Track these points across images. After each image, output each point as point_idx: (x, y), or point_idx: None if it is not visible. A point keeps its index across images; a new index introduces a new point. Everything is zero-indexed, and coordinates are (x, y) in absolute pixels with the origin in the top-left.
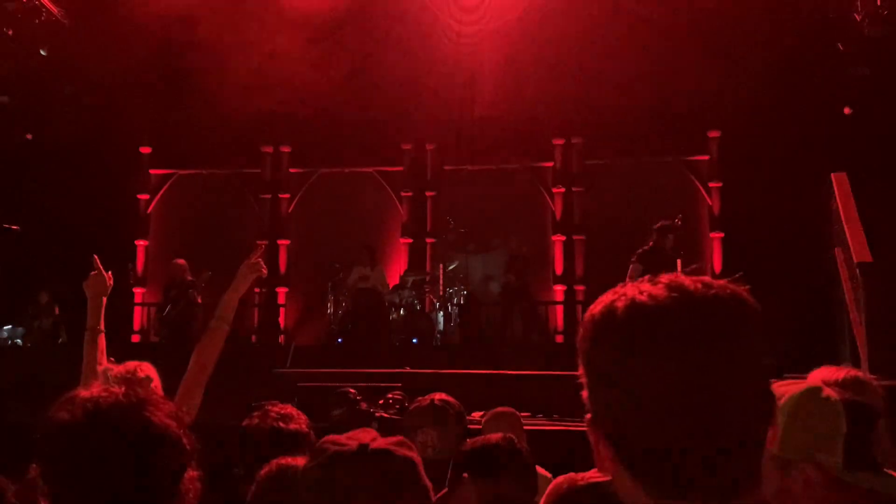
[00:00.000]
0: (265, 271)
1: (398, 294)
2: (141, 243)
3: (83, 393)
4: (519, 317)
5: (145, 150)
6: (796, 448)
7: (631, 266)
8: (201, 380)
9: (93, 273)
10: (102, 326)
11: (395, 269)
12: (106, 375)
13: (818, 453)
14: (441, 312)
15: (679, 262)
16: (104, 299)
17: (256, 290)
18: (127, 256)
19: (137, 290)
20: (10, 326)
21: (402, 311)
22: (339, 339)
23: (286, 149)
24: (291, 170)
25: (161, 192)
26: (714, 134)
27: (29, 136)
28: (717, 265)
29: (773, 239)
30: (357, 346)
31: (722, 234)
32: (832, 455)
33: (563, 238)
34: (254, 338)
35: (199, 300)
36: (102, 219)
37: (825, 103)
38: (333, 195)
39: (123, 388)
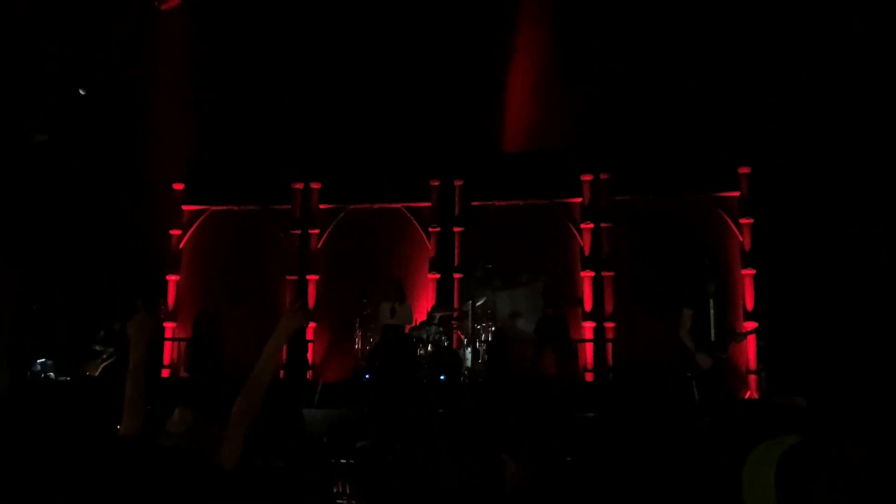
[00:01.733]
0: (305, 321)
1: (425, 330)
2: (172, 278)
3: None
4: (553, 353)
5: (178, 186)
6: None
7: (683, 311)
8: (243, 426)
9: (138, 314)
10: (142, 366)
11: (423, 304)
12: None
13: None
14: (469, 349)
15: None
16: (147, 341)
17: None
18: (159, 292)
19: (168, 325)
20: (42, 359)
21: (429, 348)
22: (367, 376)
23: (316, 185)
24: (321, 206)
25: (193, 227)
26: (745, 170)
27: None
28: (749, 302)
29: (805, 274)
30: (384, 382)
31: (754, 271)
32: None
33: (592, 274)
34: (282, 374)
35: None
36: (135, 254)
37: (857, 136)
38: (362, 231)
39: None
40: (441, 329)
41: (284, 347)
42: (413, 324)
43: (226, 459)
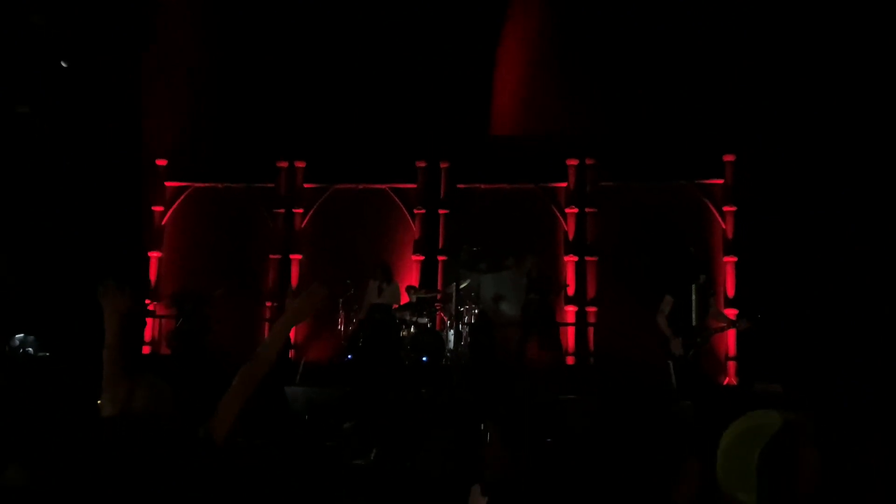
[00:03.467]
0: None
1: (409, 311)
2: (154, 255)
3: None
4: (538, 337)
5: (161, 162)
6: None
7: (664, 298)
8: (238, 400)
9: (109, 286)
10: (118, 343)
11: (407, 283)
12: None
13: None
14: (452, 331)
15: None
16: (120, 316)
17: (268, 303)
18: (137, 268)
19: (149, 302)
20: (22, 335)
21: (412, 329)
22: (349, 356)
23: (301, 164)
24: (306, 185)
25: (176, 204)
26: (729, 157)
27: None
28: (731, 289)
29: (787, 262)
30: (367, 363)
31: (735, 258)
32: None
33: (576, 259)
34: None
35: (212, 315)
36: (117, 229)
37: (842, 126)
38: (347, 211)
39: None
40: (424, 311)
41: (267, 326)
42: (401, 304)
43: (218, 434)
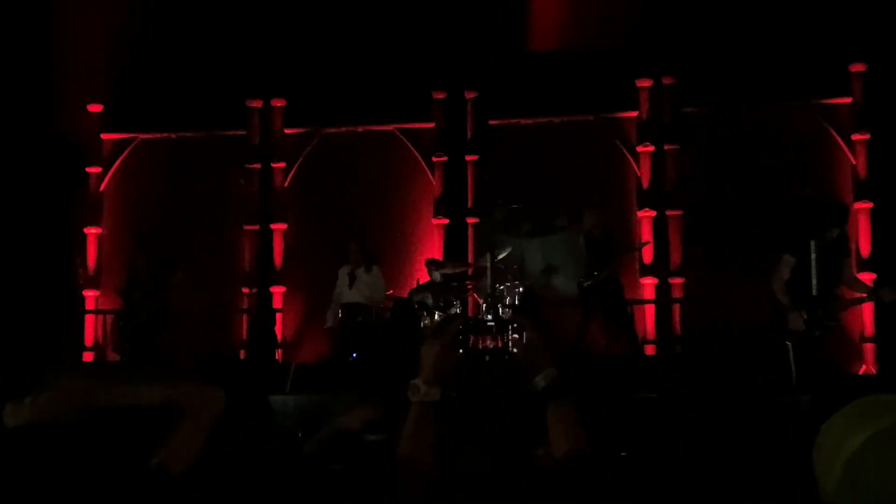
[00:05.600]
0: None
1: (427, 292)
2: (92, 231)
3: None
4: (603, 320)
5: (95, 107)
6: None
7: (783, 258)
8: (204, 420)
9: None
10: None
11: (426, 256)
12: None
13: None
14: (488, 316)
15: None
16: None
17: (245, 290)
18: (74, 248)
19: (89, 294)
20: None
21: (435, 316)
22: (354, 354)
23: (279, 102)
24: (287, 130)
25: (117, 162)
26: (858, 68)
27: None
28: (865, 244)
29: None
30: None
31: (871, 204)
32: None
33: (653, 214)
34: (242, 353)
35: (172, 305)
36: (36, 200)
37: None
38: (343, 163)
39: None
40: (451, 291)
41: (245, 319)
42: (385, 297)
43: (175, 467)
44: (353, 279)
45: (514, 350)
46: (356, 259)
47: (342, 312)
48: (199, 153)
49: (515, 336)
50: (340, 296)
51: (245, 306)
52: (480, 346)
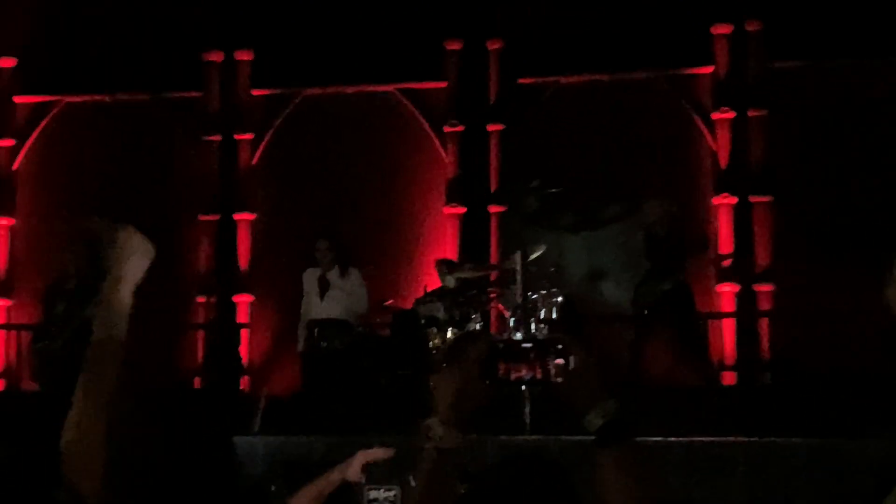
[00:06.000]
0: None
1: (437, 303)
2: (3, 223)
3: None
4: (666, 339)
5: (6, 62)
6: None
7: None
8: (94, 429)
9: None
10: None
11: (436, 255)
12: None
13: None
14: (518, 334)
15: None
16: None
17: (200, 298)
18: None
19: None
20: None
21: (448, 334)
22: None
23: (245, 56)
24: (255, 92)
25: (35, 133)
26: None
27: None
28: None
29: None
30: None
31: None
32: None
33: (734, 201)
34: (198, 381)
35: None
36: None
37: None
38: (328, 134)
39: None
40: (469, 301)
41: (202, 337)
42: (378, 307)
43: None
44: (324, 287)
45: (558, 379)
46: (326, 260)
47: (312, 332)
48: (141, 121)
49: (559, 361)
50: (309, 309)
51: (201, 320)
52: (512, 376)
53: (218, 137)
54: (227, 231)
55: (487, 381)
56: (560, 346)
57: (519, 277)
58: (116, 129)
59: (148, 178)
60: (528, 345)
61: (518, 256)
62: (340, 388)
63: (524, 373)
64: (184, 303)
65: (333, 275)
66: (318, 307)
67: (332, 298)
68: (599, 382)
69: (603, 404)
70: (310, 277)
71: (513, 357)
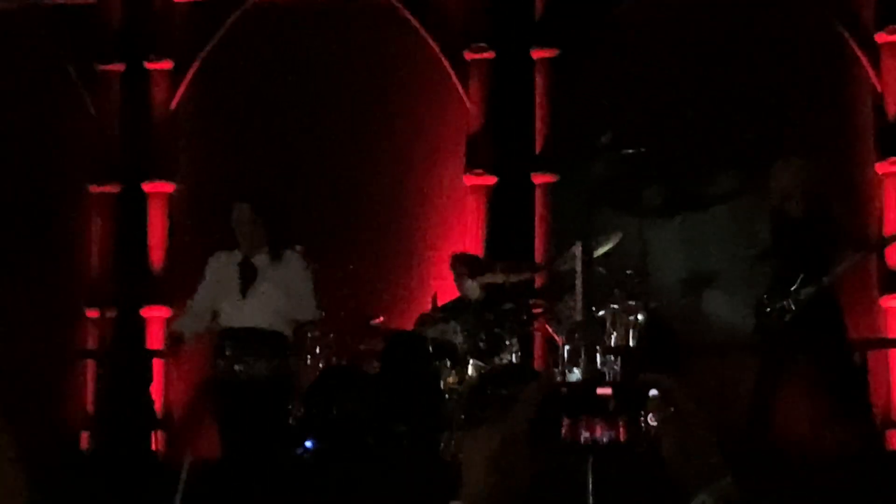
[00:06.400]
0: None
1: (453, 322)
2: None
3: None
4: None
5: None
6: None
7: None
8: None
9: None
10: None
11: (452, 249)
12: None
13: None
14: (577, 368)
15: None
16: None
17: (91, 313)
18: None
19: None
20: None
21: (469, 370)
22: (309, 444)
23: None
24: None
25: None
26: None
27: None
28: None
29: None
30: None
31: None
32: None
33: None
34: (85, 439)
35: None
36: None
37: None
38: (288, 62)
39: None
40: (502, 318)
41: (92, 370)
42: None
43: None
44: (247, 278)
45: (655, 443)
46: (250, 236)
47: (223, 349)
48: (15, 42)
49: (654, 417)
50: (220, 314)
51: (91, 345)
52: (582, 439)
53: (120, 67)
54: (132, 209)
55: (543, 448)
56: (654, 393)
57: (579, 284)
58: None
59: (13, 129)
60: (607, 391)
61: (577, 252)
62: (270, 447)
63: (599, 433)
64: (67, 319)
65: (261, 260)
66: (235, 310)
67: (258, 296)
68: (713, 448)
69: (718, 483)
70: (222, 265)
71: (582, 408)
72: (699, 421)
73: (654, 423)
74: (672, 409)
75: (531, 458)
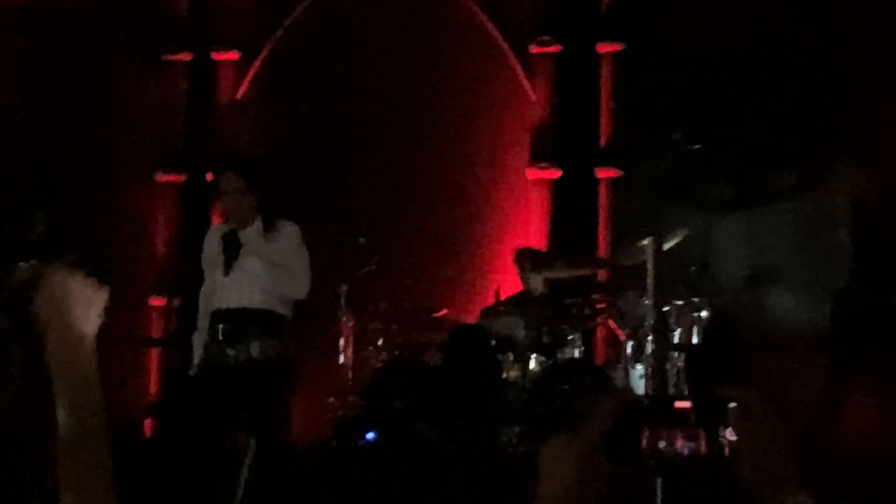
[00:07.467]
0: None
1: (516, 316)
2: None
3: None
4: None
5: None
6: None
7: None
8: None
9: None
10: None
11: (515, 244)
12: None
13: None
14: (641, 365)
15: None
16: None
17: (156, 300)
18: None
19: None
20: None
21: (532, 364)
22: (370, 436)
23: None
24: None
25: None
26: None
27: None
28: None
29: None
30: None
31: None
32: None
33: None
34: (148, 425)
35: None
36: None
37: None
38: (352, 55)
39: None
40: (563, 314)
41: (156, 354)
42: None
43: None
44: (231, 253)
45: (731, 455)
46: (237, 207)
47: (214, 333)
48: (74, 33)
49: (733, 430)
50: (210, 294)
51: (157, 333)
52: (665, 450)
53: (187, 56)
54: (197, 199)
55: (619, 461)
56: (733, 405)
57: (650, 279)
58: (25, 41)
59: (81, 119)
60: (686, 403)
61: (646, 246)
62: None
63: (680, 445)
64: (131, 307)
65: (251, 233)
66: (220, 289)
67: (242, 272)
68: (790, 464)
69: (794, 499)
70: (211, 239)
71: (663, 420)
72: (777, 435)
73: (733, 438)
74: (750, 423)
75: (607, 471)
